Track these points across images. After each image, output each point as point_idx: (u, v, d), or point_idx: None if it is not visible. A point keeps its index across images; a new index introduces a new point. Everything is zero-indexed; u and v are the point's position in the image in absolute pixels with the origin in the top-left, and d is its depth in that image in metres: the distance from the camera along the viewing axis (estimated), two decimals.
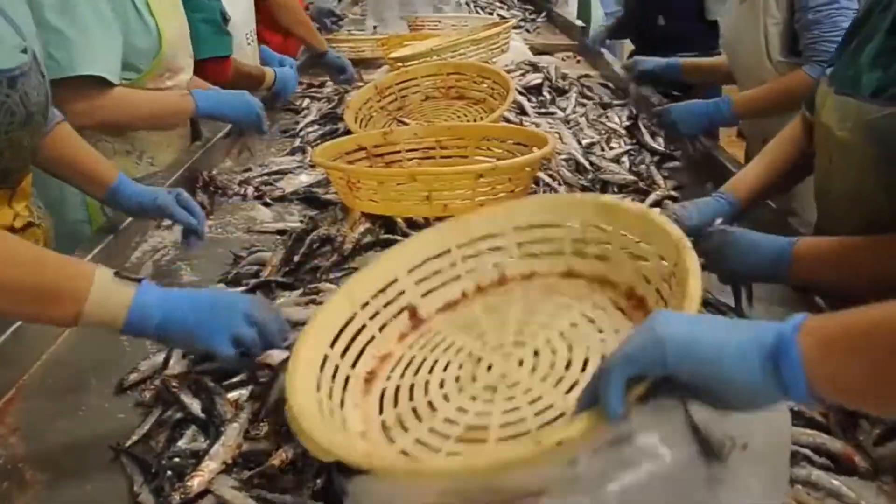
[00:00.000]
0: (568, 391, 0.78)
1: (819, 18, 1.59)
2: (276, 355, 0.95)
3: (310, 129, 2.06)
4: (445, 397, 0.84)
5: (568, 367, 0.82)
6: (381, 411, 0.85)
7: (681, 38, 2.61)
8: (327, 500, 0.76)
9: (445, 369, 0.89)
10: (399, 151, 1.59)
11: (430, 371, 0.90)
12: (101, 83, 1.44)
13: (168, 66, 1.65)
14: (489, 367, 0.86)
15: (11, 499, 0.83)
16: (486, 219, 1.03)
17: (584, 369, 0.80)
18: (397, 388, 0.88)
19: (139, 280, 0.85)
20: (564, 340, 0.87)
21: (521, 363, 0.85)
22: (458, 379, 0.86)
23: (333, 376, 0.85)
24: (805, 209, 1.43)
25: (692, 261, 0.75)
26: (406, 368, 0.92)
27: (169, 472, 0.82)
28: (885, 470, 0.81)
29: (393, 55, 2.36)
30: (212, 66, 1.91)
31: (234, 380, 0.95)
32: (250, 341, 0.86)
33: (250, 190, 1.63)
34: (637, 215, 0.90)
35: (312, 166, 1.73)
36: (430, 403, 0.84)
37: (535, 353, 0.86)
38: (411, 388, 0.88)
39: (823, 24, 1.59)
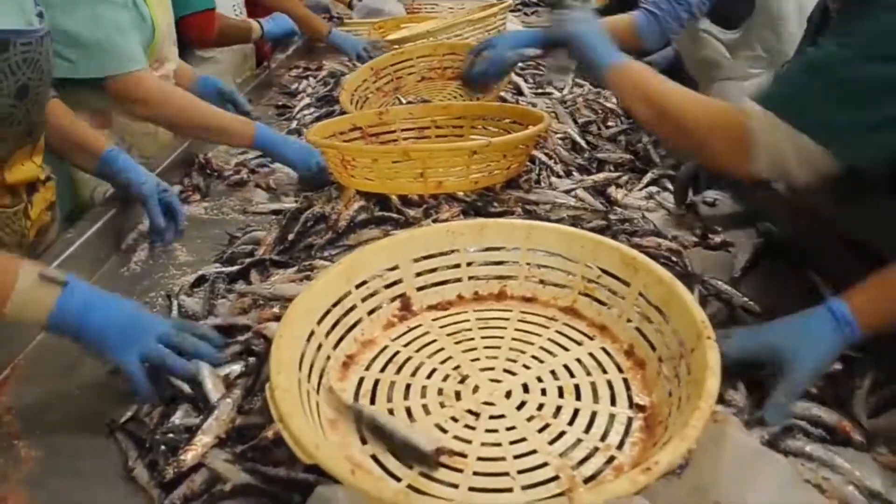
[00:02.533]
0: (552, 441, 0.77)
1: None
2: (273, 327, 0.95)
3: (305, 111, 2.05)
4: (425, 408, 0.83)
5: (556, 414, 0.81)
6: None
7: None
8: (320, 473, 0.76)
9: (429, 377, 0.88)
10: (394, 131, 1.58)
11: (413, 374, 0.88)
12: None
13: (157, 57, 1.63)
14: (475, 389, 0.85)
15: (7, 475, 0.83)
16: (504, 231, 1.01)
17: (571, 423, 0.79)
18: (376, 383, 0.87)
19: (64, 283, 0.85)
20: (556, 382, 0.85)
21: (508, 395, 0.84)
22: (440, 391, 0.85)
23: (317, 351, 0.85)
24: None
25: (713, 356, 0.73)
26: (388, 363, 0.91)
27: (163, 447, 0.82)
28: (879, 441, 0.81)
29: (390, 37, 2.34)
30: (196, 19, 1.90)
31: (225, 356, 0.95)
32: (158, 361, 0.86)
33: (245, 172, 1.62)
34: (662, 281, 0.87)
35: None
36: (409, 411, 0.83)
37: (525, 388, 0.85)
38: (391, 385, 0.87)
39: None
